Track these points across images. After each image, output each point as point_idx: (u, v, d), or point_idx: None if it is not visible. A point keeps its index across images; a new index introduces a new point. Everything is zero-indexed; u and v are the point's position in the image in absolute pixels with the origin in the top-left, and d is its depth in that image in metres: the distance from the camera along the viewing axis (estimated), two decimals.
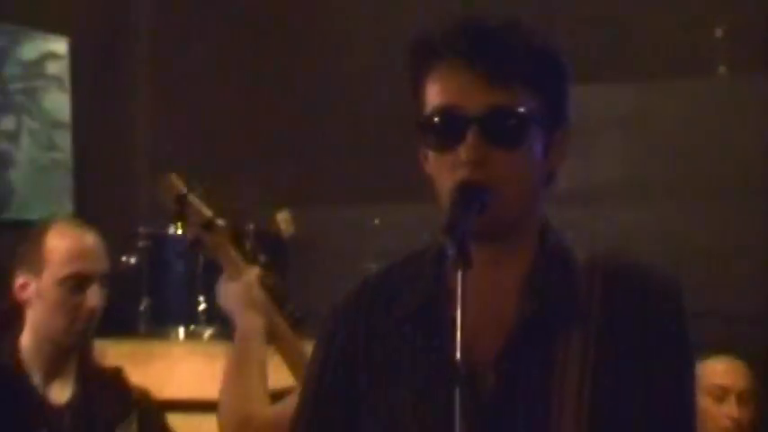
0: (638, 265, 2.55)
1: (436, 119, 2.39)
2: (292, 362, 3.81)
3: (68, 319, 3.95)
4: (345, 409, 2.57)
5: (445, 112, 2.39)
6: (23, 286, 4.01)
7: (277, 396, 3.81)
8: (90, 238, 4.07)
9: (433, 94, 2.42)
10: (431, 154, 2.40)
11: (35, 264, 4.01)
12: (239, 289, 3.64)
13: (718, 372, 5.35)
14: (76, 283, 3.96)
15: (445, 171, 2.40)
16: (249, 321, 3.58)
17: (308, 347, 5.35)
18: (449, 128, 2.39)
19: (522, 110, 2.38)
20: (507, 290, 2.47)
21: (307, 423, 2.64)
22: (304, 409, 2.64)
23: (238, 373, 3.53)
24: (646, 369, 2.44)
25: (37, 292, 3.95)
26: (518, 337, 2.43)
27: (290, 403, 3.27)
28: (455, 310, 2.22)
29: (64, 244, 4.03)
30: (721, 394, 5.14)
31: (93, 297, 3.98)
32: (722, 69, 6.60)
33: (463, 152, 2.34)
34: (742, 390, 5.31)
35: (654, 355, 2.46)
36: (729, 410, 5.28)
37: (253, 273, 3.78)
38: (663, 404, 2.49)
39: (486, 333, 2.43)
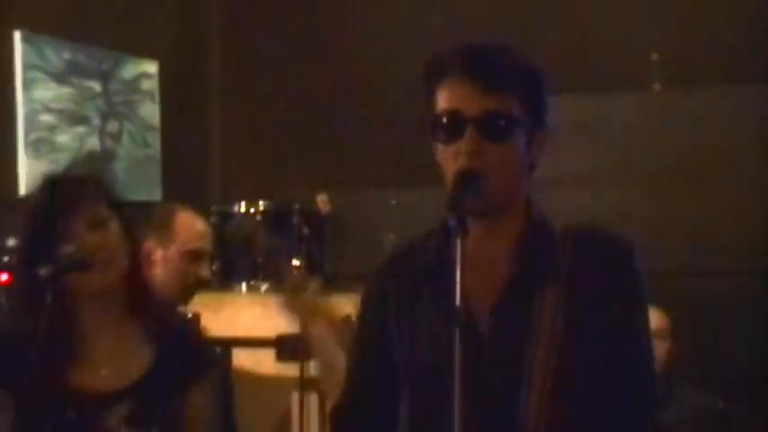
0: (602, 232, 2.77)
1: (443, 119, 2.60)
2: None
3: (183, 284, 4.31)
4: (381, 345, 2.78)
5: (450, 114, 2.60)
6: (150, 252, 4.28)
7: None
8: (205, 224, 4.49)
9: (442, 100, 2.62)
10: (439, 146, 2.62)
11: (164, 237, 4.32)
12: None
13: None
14: (196, 256, 4.33)
15: (449, 160, 2.60)
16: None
17: (343, 299, 5.64)
18: (452, 126, 2.59)
19: (508, 113, 2.59)
20: (499, 255, 2.66)
21: (358, 353, 2.92)
22: (356, 345, 2.94)
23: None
24: (608, 311, 2.64)
25: (163, 258, 4.27)
26: (508, 293, 2.65)
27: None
28: (456, 269, 2.44)
29: (191, 225, 4.39)
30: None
31: (205, 269, 4.42)
32: (657, 86, 6.84)
33: (463, 145, 2.56)
34: (662, 330, 5.64)
35: (615, 298, 2.66)
36: (658, 348, 6.22)
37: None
38: (622, 336, 2.67)
39: (483, 290, 2.63)
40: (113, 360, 3.15)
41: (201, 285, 4.40)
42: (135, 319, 3.20)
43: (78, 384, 3.14)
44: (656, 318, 5.50)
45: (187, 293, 4.36)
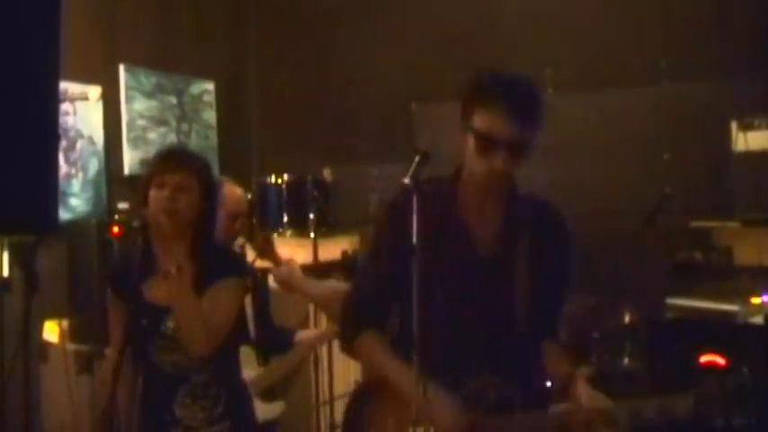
0: (546, 200, 2.88)
1: (482, 139, 2.58)
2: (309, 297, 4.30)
3: (226, 236, 4.22)
4: (393, 260, 2.72)
5: (487, 136, 2.59)
6: None
7: None
8: (243, 192, 4.43)
9: (480, 120, 2.58)
10: (473, 148, 2.60)
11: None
12: (285, 272, 3.85)
13: None
14: (236, 217, 4.33)
15: (479, 159, 2.62)
16: (305, 289, 3.83)
17: (342, 239, 6.05)
18: (490, 143, 2.58)
19: (529, 142, 2.60)
20: (497, 208, 2.78)
21: (375, 260, 2.91)
22: (371, 262, 2.94)
23: (315, 292, 3.84)
24: (555, 252, 2.81)
25: None
26: (501, 238, 2.78)
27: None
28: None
29: (234, 193, 4.38)
30: None
31: (241, 225, 4.38)
32: (550, 91, 6.36)
33: (497, 157, 2.57)
34: None
35: (558, 244, 2.83)
36: None
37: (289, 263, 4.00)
38: (561, 268, 2.86)
39: (485, 227, 2.76)
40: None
41: (237, 236, 4.39)
42: (193, 253, 3.27)
43: (150, 299, 3.29)
44: None
45: (228, 242, 4.26)
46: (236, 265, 3.47)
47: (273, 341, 4.48)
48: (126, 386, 3.32)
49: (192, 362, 3.27)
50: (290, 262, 4.12)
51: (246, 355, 4.29)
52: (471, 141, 2.62)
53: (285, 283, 3.86)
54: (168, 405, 3.30)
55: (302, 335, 4.67)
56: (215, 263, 3.32)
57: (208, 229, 3.34)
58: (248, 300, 4.30)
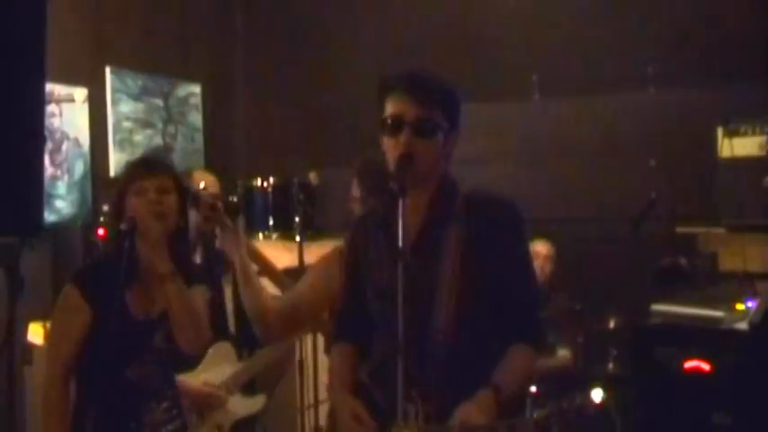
0: (490, 193, 2.85)
1: (389, 120, 2.70)
2: (265, 271, 4.09)
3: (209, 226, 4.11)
4: (357, 274, 2.91)
5: (394, 117, 2.70)
6: None
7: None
8: (213, 178, 4.43)
9: (389, 107, 2.72)
10: (385, 138, 2.72)
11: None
12: (231, 237, 3.52)
13: (535, 247, 5.93)
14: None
15: (392, 148, 2.70)
16: (242, 257, 3.47)
17: (328, 243, 5.50)
18: (395, 126, 2.69)
19: (433, 120, 2.70)
20: (420, 209, 2.78)
21: (346, 279, 3.01)
22: (344, 274, 3.03)
23: (249, 286, 3.44)
24: (496, 242, 2.73)
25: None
26: (423, 232, 2.77)
27: (290, 294, 3.58)
28: (398, 220, 2.54)
29: (202, 177, 4.37)
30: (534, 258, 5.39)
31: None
32: (536, 97, 6.75)
33: (402, 139, 2.67)
34: (547, 255, 6.10)
35: (501, 234, 2.75)
36: (543, 269, 5.99)
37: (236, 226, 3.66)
38: (510, 266, 2.76)
39: (409, 232, 2.71)
40: (158, 291, 3.19)
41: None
42: (174, 263, 3.22)
43: (137, 312, 3.24)
44: (543, 246, 5.99)
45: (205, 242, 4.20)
46: (205, 273, 3.56)
47: (251, 337, 4.36)
48: (64, 415, 3.22)
49: (166, 372, 3.33)
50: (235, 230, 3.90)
51: (225, 350, 4.29)
52: (385, 139, 2.72)
53: (230, 248, 3.63)
54: (137, 416, 3.27)
55: None
56: (189, 272, 3.34)
57: (185, 232, 3.37)
58: (228, 294, 4.29)
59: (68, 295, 3.24)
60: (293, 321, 3.53)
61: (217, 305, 4.21)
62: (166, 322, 3.24)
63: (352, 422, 2.72)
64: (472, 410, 2.53)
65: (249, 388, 4.42)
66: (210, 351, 4.20)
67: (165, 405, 3.33)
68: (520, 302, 2.77)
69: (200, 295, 3.34)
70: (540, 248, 6.15)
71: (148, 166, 3.32)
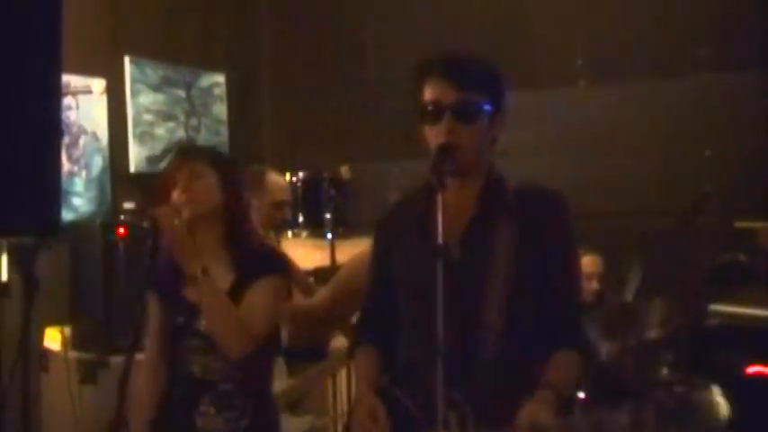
0: (541, 186, 2.88)
1: (429, 107, 2.72)
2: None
3: (272, 226, 4.54)
4: (386, 273, 2.92)
5: (433, 103, 2.71)
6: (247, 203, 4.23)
7: None
8: (285, 181, 4.59)
9: (427, 94, 2.74)
10: (425, 127, 2.73)
11: (259, 191, 4.45)
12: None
13: (584, 263, 5.63)
14: (280, 205, 4.54)
15: (432, 137, 2.71)
16: None
17: (361, 240, 5.50)
18: (435, 112, 2.71)
19: (474, 103, 2.71)
20: (467, 202, 2.79)
21: (372, 279, 3.03)
22: (370, 273, 3.05)
23: None
24: (547, 245, 2.75)
25: (257, 208, 4.33)
26: (472, 227, 2.77)
27: (321, 294, 3.64)
28: (437, 214, 2.52)
29: (278, 182, 4.60)
30: (585, 276, 5.36)
31: (287, 213, 4.67)
32: (582, 83, 6.75)
33: (442, 126, 2.68)
34: (595, 273, 5.87)
35: (552, 237, 2.77)
36: (590, 286, 5.81)
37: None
38: (559, 265, 2.79)
39: (453, 227, 2.72)
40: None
41: (286, 225, 4.52)
42: (228, 248, 3.32)
43: (186, 296, 3.30)
44: (592, 262, 5.76)
45: (277, 232, 4.51)
46: (276, 263, 3.44)
47: (304, 350, 4.45)
48: (153, 393, 3.39)
49: (222, 366, 3.29)
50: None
51: (276, 364, 4.23)
52: (426, 128, 2.74)
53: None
54: (190, 413, 3.30)
55: (338, 343, 4.60)
56: (253, 262, 3.34)
57: (237, 215, 3.38)
58: None
59: (146, 295, 3.40)
60: (323, 323, 3.57)
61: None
62: None
63: (366, 420, 2.72)
64: (539, 410, 2.53)
65: (296, 406, 4.44)
66: None
67: (227, 414, 3.32)
68: (566, 306, 2.80)
69: (259, 290, 3.29)
70: (589, 265, 5.98)
71: (178, 155, 3.43)
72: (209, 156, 3.41)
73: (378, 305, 3.00)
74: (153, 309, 3.41)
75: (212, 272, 3.21)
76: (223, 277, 3.29)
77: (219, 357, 3.27)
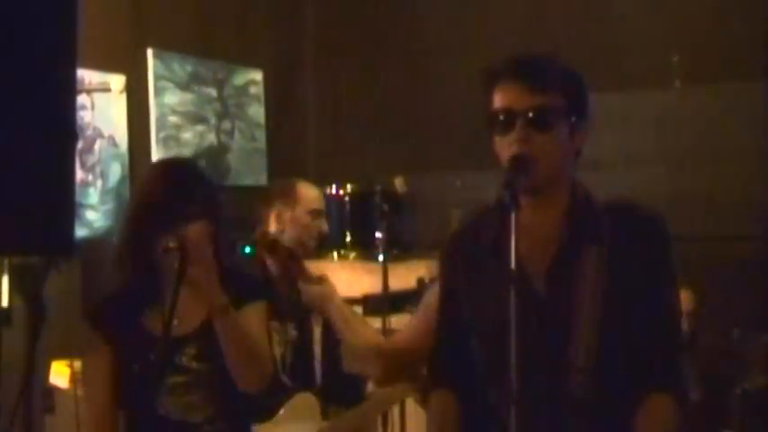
0: (637, 205, 2.89)
1: (499, 115, 2.75)
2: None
3: (310, 236, 4.69)
4: (455, 304, 2.98)
5: (504, 110, 2.75)
6: (279, 215, 4.66)
7: None
8: (319, 190, 4.79)
9: (497, 100, 2.77)
10: (496, 137, 2.76)
11: (290, 201, 4.68)
12: (318, 289, 3.80)
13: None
14: (317, 214, 4.71)
15: (504, 148, 2.74)
16: (339, 306, 3.74)
17: (418, 264, 6.00)
18: (506, 120, 2.74)
19: (550, 107, 2.73)
20: (550, 226, 2.81)
21: (440, 309, 3.08)
22: (439, 303, 3.11)
23: (355, 335, 3.69)
24: (642, 275, 2.77)
25: (291, 219, 4.63)
26: (560, 256, 2.79)
27: (400, 335, 3.72)
28: (510, 238, 2.52)
29: (310, 190, 4.76)
30: None
31: (325, 224, 4.80)
32: (677, 83, 6.83)
33: (514, 135, 2.71)
34: (688, 311, 5.49)
35: (648, 266, 2.78)
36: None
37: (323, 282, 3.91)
38: (656, 299, 2.81)
39: (537, 255, 2.77)
40: (184, 310, 3.21)
41: (324, 237, 4.65)
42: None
43: (157, 330, 3.25)
44: (686, 298, 5.42)
45: (313, 246, 4.64)
46: (262, 288, 3.60)
47: (341, 390, 4.51)
48: None
49: (206, 406, 3.33)
50: (323, 279, 4.03)
51: (308, 404, 4.30)
52: (496, 138, 2.78)
53: (320, 302, 3.84)
54: None
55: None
56: (239, 286, 3.41)
57: (219, 247, 3.41)
58: (317, 336, 4.42)
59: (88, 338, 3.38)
60: (409, 366, 3.58)
61: (301, 348, 4.38)
62: (198, 338, 3.34)
63: None
64: None
65: None
66: (291, 402, 4.22)
67: None
68: (664, 346, 2.81)
69: (254, 317, 3.40)
70: (683, 302, 5.91)
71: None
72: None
73: (451, 345, 3.03)
74: (96, 355, 3.37)
75: (188, 306, 3.27)
76: (202, 308, 3.33)
77: (208, 395, 3.33)
